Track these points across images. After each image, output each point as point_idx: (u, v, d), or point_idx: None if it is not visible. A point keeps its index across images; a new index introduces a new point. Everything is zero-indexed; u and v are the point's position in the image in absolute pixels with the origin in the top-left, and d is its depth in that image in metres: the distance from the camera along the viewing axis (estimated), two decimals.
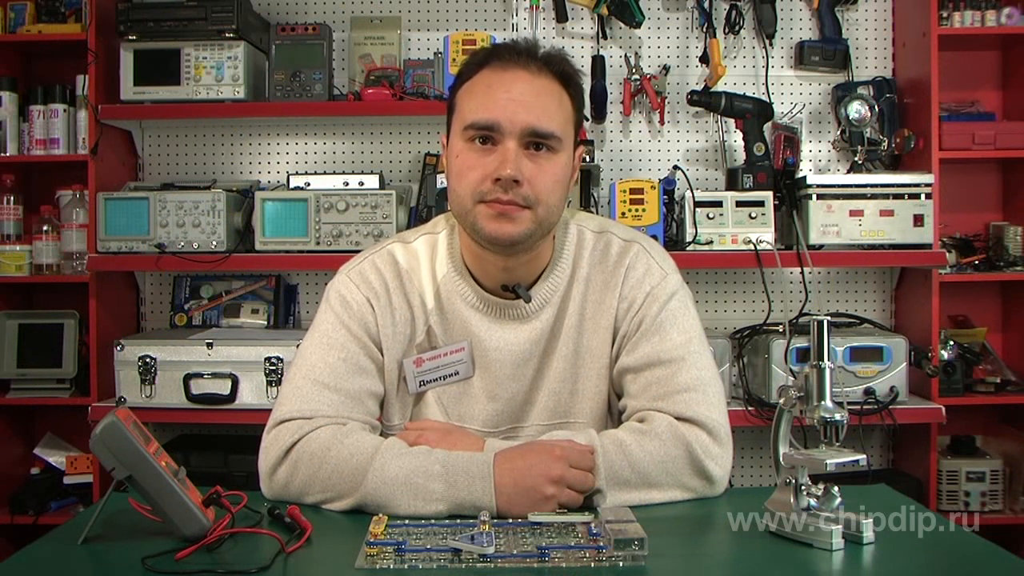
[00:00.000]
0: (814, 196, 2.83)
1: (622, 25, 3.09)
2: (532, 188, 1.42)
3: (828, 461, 1.17)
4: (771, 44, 3.17)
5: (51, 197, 3.15)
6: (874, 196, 2.83)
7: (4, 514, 2.99)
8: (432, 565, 1.11)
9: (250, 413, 2.76)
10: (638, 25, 3.04)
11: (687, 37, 3.19)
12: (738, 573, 1.17)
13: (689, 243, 2.83)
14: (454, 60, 2.93)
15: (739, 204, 2.86)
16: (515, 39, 1.53)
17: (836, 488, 1.20)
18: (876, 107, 2.97)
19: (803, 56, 3.13)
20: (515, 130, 1.42)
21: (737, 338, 2.95)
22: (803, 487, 1.20)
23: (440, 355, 1.53)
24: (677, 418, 1.43)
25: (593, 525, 1.20)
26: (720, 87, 3.04)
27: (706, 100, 2.98)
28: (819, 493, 1.20)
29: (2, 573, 1.12)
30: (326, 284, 1.59)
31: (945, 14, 2.96)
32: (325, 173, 3.14)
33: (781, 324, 2.82)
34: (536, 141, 1.43)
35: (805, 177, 2.89)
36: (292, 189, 2.98)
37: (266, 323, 3.13)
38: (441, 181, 2.94)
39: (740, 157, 3.06)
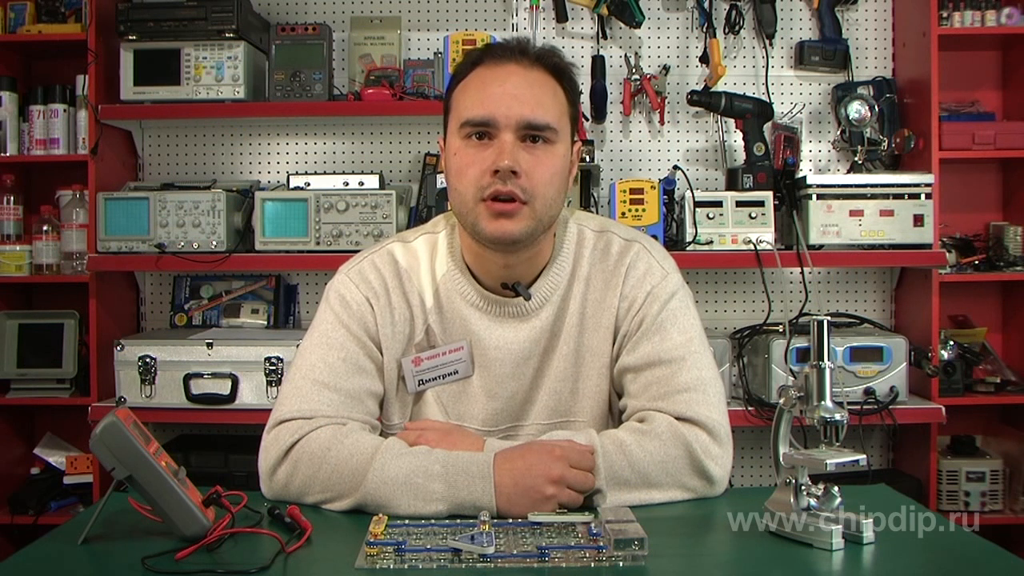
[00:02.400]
0: (814, 196, 2.83)
1: (622, 25, 3.09)
2: (530, 180, 1.42)
3: (828, 461, 1.17)
4: (771, 44, 3.17)
5: (51, 197, 3.15)
6: (874, 196, 2.83)
7: (4, 514, 2.99)
8: (432, 565, 1.11)
9: (250, 413, 2.76)
10: (638, 25, 3.04)
11: (687, 37, 3.19)
12: (738, 573, 1.17)
13: (689, 243, 2.83)
14: (454, 60, 2.93)
15: (739, 204, 2.86)
16: (506, 39, 1.53)
17: (836, 488, 1.20)
18: (876, 107, 2.97)
19: (803, 56, 3.13)
20: (511, 123, 1.42)
21: (737, 338, 2.95)
22: (803, 487, 1.20)
23: (438, 355, 1.53)
24: (677, 418, 1.43)
25: (593, 525, 1.20)
26: (720, 87, 3.04)
27: (706, 100, 2.98)
28: (819, 493, 1.20)
29: (2, 573, 1.12)
30: (326, 284, 1.59)
31: (945, 14, 2.96)
32: (325, 173, 3.14)
33: (781, 324, 2.82)
34: (532, 134, 1.44)
35: (805, 177, 2.89)
36: (292, 189, 2.98)
37: (266, 323, 3.13)
38: (441, 181, 2.93)
39: (740, 157, 3.06)
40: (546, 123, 1.44)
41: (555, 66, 1.49)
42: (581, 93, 1.58)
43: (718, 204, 2.86)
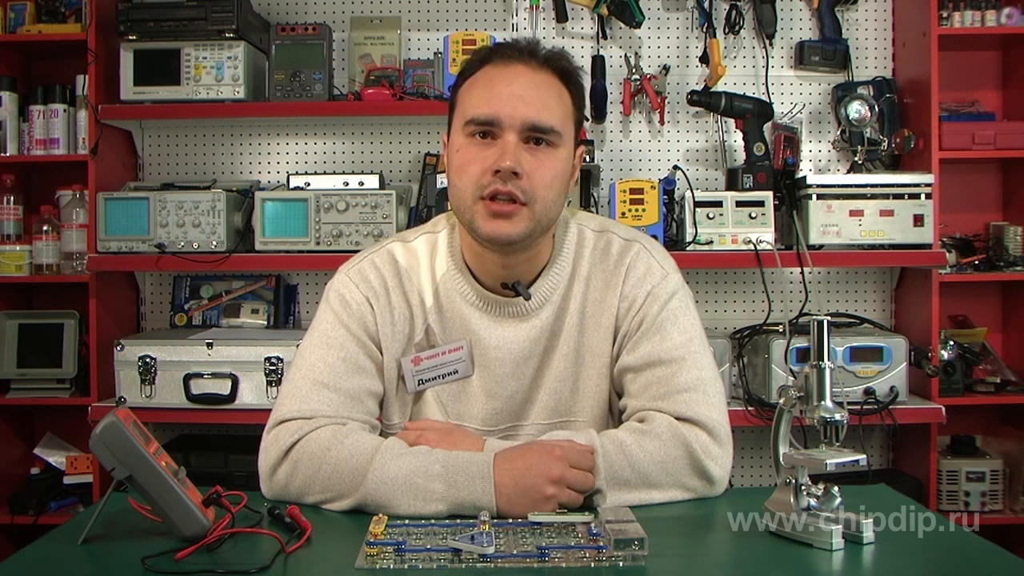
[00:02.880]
0: (814, 196, 2.83)
1: (622, 25, 3.09)
2: (530, 182, 1.42)
3: (828, 461, 1.17)
4: (771, 44, 3.17)
5: (51, 197, 3.15)
6: (874, 196, 2.83)
7: (4, 514, 2.99)
8: (432, 565, 1.11)
9: (250, 413, 2.76)
10: (638, 25, 3.04)
11: (687, 37, 3.19)
12: (738, 573, 1.17)
13: (689, 243, 2.83)
14: (454, 60, 2.93)
15: (739, 204, 2.86)
16: (516, 39, 1.53)
17: (836, 488, 1.20)
18: (876, 107, 2.97)
19: (803, 56, 3.13)
20: (515, 124, 1.42)
21: (737, 338, 2.95)
22: (803, 487, 1.20)
23: (438, 354, 1.53)
24: (677, 418, 1.43)
25: (593, 525, 1.20)
26: (720, 87, 3.04)
27: (706, 100, 2.98)
28: (819, 493, 1.20)
29: (2, 573, 1.12)
30: (326, 284, 1.59)
31: (945, 14, 2.96)
32: (325, 173, 3.14)
33: (781, 324, 2.82)
34: (536, 136, 1.44)
35: (805, 177, 2.89)
36: (292, 189, 2.98)
37: (266, 323, 3.13)
38: (441, 181, 2.93)
39: (740, 157, 3.06)
40: (550, 126, 1.44)
41: (563, 69, 1.49)
42: None
43: (718, 204, 2.86)
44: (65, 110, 3.07)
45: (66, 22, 3.10)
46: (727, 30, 3.14)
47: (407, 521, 1.25)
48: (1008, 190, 3.22)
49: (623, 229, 1.61)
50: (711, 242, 2.84)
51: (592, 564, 1.11)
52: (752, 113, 2.98)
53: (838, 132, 3.13)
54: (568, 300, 1.55)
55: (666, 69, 3.12)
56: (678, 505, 1.38)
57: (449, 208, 1.57)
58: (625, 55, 3.14)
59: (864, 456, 1.20)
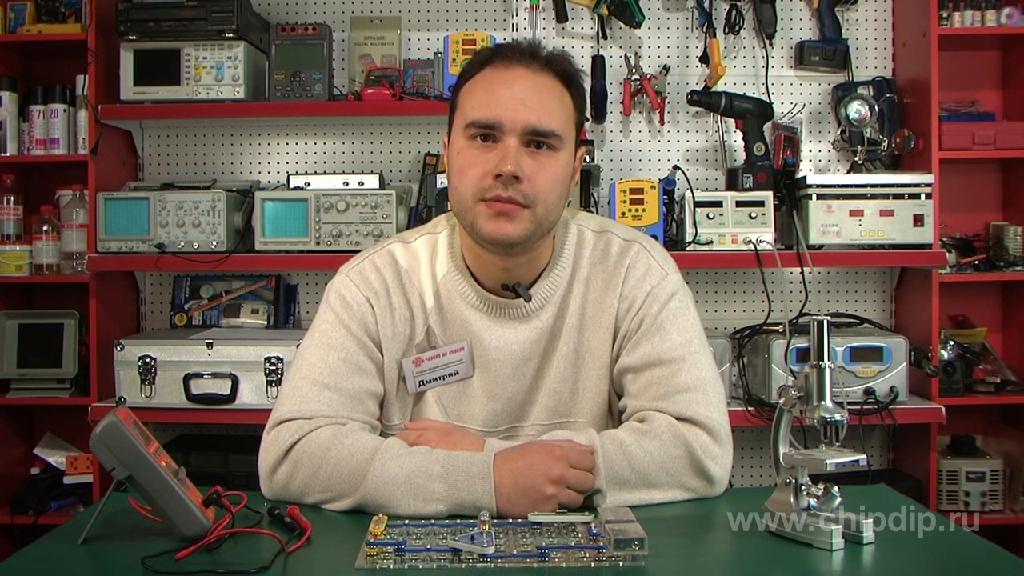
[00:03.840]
0: (814, 196, 2.83)
1: (622, 25, 3.09)
2: (532, 186, 1.42)
3: (828, 461, 1.17)
4: (771, 44, 3.17)
5: (51, 197, 3.15)
6: (874, 196, 2.83)
7: (4, 514, 2.99)
8: (432, 565, 1.11)
9: (250, 413, 2.76)
10: (638, 25, 3.04)
11: (687, 37, 3.19)
12: (738, 573, 1.17)
13: (689, 243, 2.83)
14: (454, 60, 2.93)
15: (739, 204, 2.86)
16: (517, 40, 1.53)
17: (836, 488, 1.20)
18: (876, 107, 2.97)
19: (803, 56, 3.13)
20: (516, 128, 1.42)
21: (737, 338, 2.95)
22: (803, 487, 1.20)
23: (439, 355, 1.53)
24: (677, 418, 1.43)
25: (593, 525, 1.20)
26: (720, 87, 3.04)
27: (706, 100, 2.98)
28: (819, 493, 1.20)
29: (2, 573, 1.12)
30: (326, 284, 1.59)
31: (945, 14, 2.96)
32: (325, 173, 3.14)
33: (781, 324, 2.82)
34: (537, 139, 1.43)
35: (805, 177, 2.89)
36: (292, 189, 2.98)
37: (266, 323, 3.13)
38: (441, 181, 2.93)
39: (740, 157, 3.06)
40: (551, 130, 1.44)
41: (564, 72, 1.49)
42: None
43: (718, 204, 2.86)
44: (65, 110, 3.07)
45: (66, 22, 3.10)
46: (727, 30, 3.14)
47: (407, 521, 1.25)
48: (1008, 190, 3.22)
49: (623, 229, 1.61)
50: (711, 242, 2.84)
51: (592, 564, 1.11)
52: (752, 113, 2.98)
53: (838, 132, 3.13)
54: (568, 301, 1.55)
55: (666, 69, 3.12)
56: (678, 505, 1.38)
57: (449, 208, 1.57)
58: (625, 55, 3.14)
59: (864, 456, 1.20)
